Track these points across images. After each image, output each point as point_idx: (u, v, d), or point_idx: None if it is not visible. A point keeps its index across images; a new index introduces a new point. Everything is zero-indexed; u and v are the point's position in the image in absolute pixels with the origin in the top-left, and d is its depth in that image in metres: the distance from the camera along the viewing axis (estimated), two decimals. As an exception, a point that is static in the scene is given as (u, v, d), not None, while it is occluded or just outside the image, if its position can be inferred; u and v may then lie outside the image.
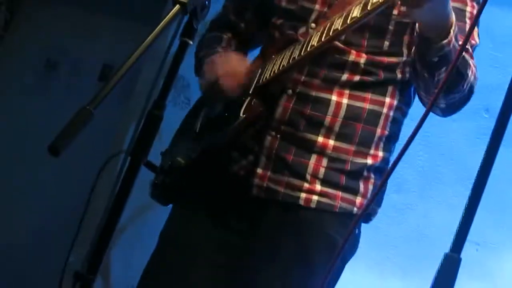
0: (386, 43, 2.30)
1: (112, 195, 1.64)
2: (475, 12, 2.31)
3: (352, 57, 2.32)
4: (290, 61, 2.30)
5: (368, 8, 2.10)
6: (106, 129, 4.16)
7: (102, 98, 1.57)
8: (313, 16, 2.37)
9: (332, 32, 2.20)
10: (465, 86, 2.18)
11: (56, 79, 5.49)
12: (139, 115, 1.62)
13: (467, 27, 2.27)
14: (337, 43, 2.30)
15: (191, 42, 1.72)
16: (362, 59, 2.32)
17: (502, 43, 3.80)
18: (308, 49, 2.26)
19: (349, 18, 2.15)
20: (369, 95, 2.33)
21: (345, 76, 2.32)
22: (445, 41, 2.04)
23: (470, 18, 2.30)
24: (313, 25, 2.35)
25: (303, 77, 2.33)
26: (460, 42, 2.11)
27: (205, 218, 2.43)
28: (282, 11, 2.45)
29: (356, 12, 2.13)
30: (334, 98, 2.31)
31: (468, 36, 1.66)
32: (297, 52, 2.29)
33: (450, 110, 2.28)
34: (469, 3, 2.31)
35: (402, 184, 3.67)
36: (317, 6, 2.37)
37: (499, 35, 3.83)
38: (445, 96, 2.19)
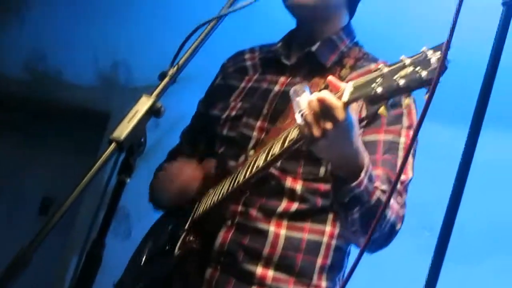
0: (322, 169, 2.32)
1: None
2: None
3: (288, 184, 2.34)
4: (219, 196, 2.34)
5: (285, 145, 2.13)
6: (46, 263, 4.10)
7: (40, 241, 1.56)
8: (251, 143, 2.41)
9: (255, 169, 2.23)
10: (383, 226, 2.16)
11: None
12: (81, 248, 1.61)
13: (399, 160, 2.29)
14: (273, 170, 2.33)
15: (128, 180, 1.72)
16: (298, 185, 2.34)
17: (439, 158, 3.87)
18: (235, 185, 2.29)
19: (270, 155, 2.18)
20: (308, 225, 2.34)
21: (282, 206, 2.34)
22: (355, 183, 2.04)
23: (405, 149, 2.31)
24: (251, 152, 2.39)
25: (240, 207, 2.35)
26: (376, 184, 2.13)
27: None
28: (223, 139, 2.50)
29: (276, 149, 2.17)
30: (272, 229, 2.32)
31: (396, 182, 1.69)
32: (226, 187, 2.32)
33: (372, 247, 2.25)
34: (403, 132, 2.33)
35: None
36: (255, 133, 2.41)
37: (436, 151, 3.89)
38: (363, 234, 2.16)
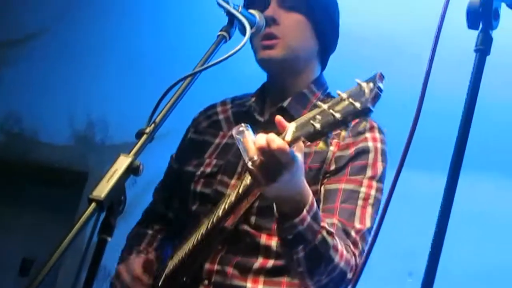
0: None
1: None
2: (372, 191, 2.34)
3: (263, 240, 2.34)
4: (186, 251, 2.34)
5: (240, 191, 2.17)
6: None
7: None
8: None
9: (216, 219, 2.25)
10: (329, 268, 2.15)
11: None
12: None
13: (359, 208, 2.30)
14: (247, 228, 2.35)
15: (109, 239, 1.72)
16: (274, 242, 2.33)
17: (420, 206, 3.89)
18: (199, 238, 2.31)
19: (227, 203, 2.21)
20: (285, 279, 2.33)
21: (258, 262, 2.34)
22: (297, 219, 2.04)
23: (365, 199, 2.32)
24: None
25: (216, 266, 2.34)
26: (323, 224, 2.12)
27: None
28: (197, 196, 2.50)
29: (232, 197, 2.20)
30: (249, 285, 2.32)
31: (383, 215, 1.70)
32: (191, 244, 2.33)
33: None
34: (365, 182, 2.34)
35: None
36: (229, 191, 2.40)
37: (416, 199, 3.91)
38: (310, 277, 2.16)
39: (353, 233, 2.26)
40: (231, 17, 2.17)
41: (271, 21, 2.42)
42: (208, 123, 2.70)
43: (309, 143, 1.96)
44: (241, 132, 2.02)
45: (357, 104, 1.77)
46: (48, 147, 5.02)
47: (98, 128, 4.92)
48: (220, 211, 2.24)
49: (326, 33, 2.58)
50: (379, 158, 2.39)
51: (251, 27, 2.20)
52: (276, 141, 1.92)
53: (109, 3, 5.10)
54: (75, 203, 4.59)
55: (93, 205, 1.66)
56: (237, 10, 2.18)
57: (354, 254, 2.24)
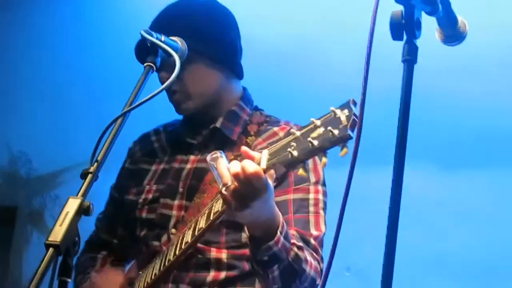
0: (244, 235, 2.38)
1: None
2: (320, 196, 2.44)
3: (213, 254, 2.42)
4: (152, 277, 2.39)
5: (211, 218, 2.21)
6: None
7: None
8: (172, 222, 2.47)
9: (184, 245, 2.29)
10: (302, 279, 2.27)
11: None
12: None
13: (312, 215, 2.40)
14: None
15: (69, 280, 1.76)
16: (224, 254, 2.42)
17: (354, 202, 3.95)
18: (166, 264, 2.35)
19: (197, 229, 2.25)
20: None
21: (211, 276, 2.41)
22: (272, 242, 2.13)
23: (315, 205, 2.42)
24: (173, 230, 2.45)
25: (170, 285, 2.41)
26: (293, 241, 2.22)
27: None
28: (144, 222, 2.55)
29: (202, 223, 2.24)
30: None
31: (340, 220, 1.76)
32: (157, 267, 2.38)
33: None
34: (312, 188, 2.44)
35: None
36: (174, 212, 2.48)
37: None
38: None
39: (312, 241, 2.36)
40: (155, 47, 2.21)
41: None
42: (143, 152, 2.75)
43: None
44: (215, 159, 2.09)
45: (335, 132, 1.83)
46: (-28, 187, 4.96)
47: (21, 162, 4.88)
48: (189, 238, 2.27)
49: (223, 60, 2.59)
50: (318, 161, 2.46)
51: (176, 53, 2.24)
52: (251, 167, 1.98)
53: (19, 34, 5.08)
54: (7, 239, 4.56)
55: (50, 250, 1.69)
56: (161, 40, 2.22)
57: (318, 260, 2.35)
